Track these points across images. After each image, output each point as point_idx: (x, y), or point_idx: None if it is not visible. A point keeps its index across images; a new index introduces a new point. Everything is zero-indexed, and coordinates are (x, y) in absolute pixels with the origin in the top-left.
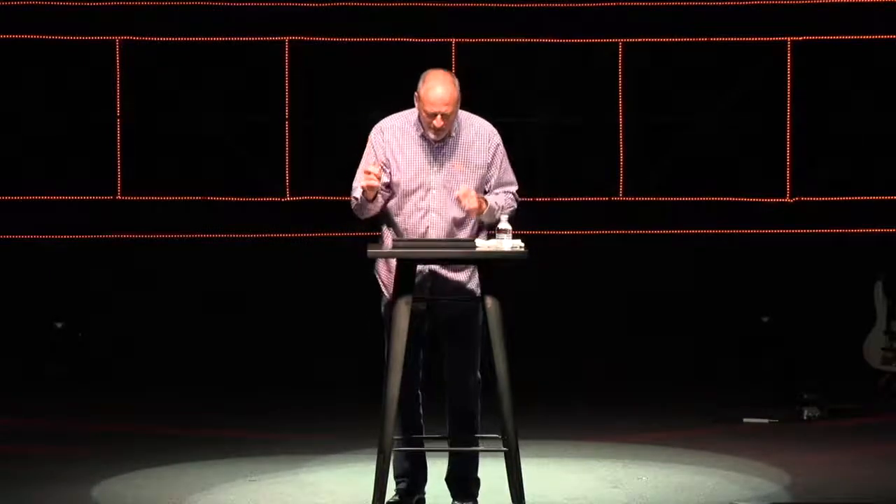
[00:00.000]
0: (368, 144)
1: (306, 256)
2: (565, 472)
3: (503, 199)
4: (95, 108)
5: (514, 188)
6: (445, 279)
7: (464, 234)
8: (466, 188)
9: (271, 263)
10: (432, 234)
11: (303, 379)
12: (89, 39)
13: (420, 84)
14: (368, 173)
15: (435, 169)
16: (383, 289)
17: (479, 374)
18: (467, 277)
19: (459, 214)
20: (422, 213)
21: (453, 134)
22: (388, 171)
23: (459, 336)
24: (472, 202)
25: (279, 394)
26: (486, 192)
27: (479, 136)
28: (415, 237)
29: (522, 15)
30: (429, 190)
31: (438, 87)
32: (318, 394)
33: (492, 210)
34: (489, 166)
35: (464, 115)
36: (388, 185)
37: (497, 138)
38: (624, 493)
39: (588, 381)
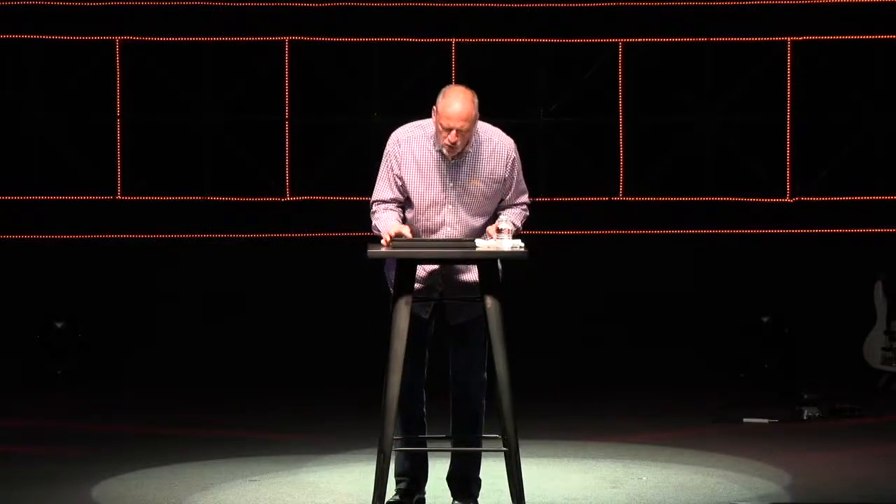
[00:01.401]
0: (386, 156)
1: (306, 256)
2: (565, 472)
3: (519, 217)
4: (95, 108)
5: (527, 196)
6: (456, 280)
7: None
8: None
9: (271, 263)
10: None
11: (303, 379)
12: (89, 39)
13: (439, 98)
14: (399, 235)
15: (451, 184)
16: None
17: (485, 374)
18: (477, 277)
19: (475, 228)
20: (437, 227)
21: (470, 149)
22: (400, 183)
23: (468, 336)
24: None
25: (279, 394)
26: (501, 202)
27: (496, 152)
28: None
29: (522, 15)
30: (444, 205)
31: (457, 103)
32: (318, 394)
33: (517, 231)
34: (505, 181)
35: (483, 128)
36: (406, 200)
37: (514, 153)
38: (624, 493)
39: (588, 380)
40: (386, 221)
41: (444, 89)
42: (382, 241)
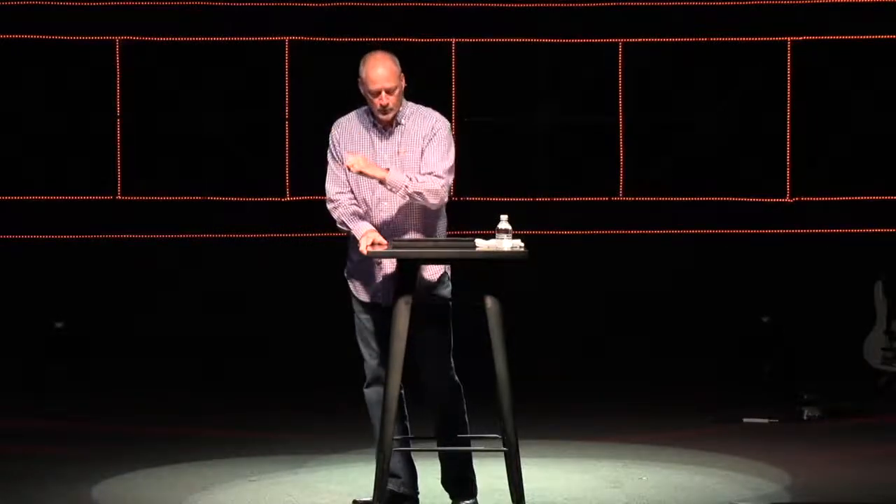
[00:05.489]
0: (329, 147)
1: (306, 256)
2: (565, 472)
3: (410, 179)
4: (95, 108)
5: (436, 171)
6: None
7: (416, 220)
8: (360, 157)
9: (271, 263)
10: (382, 220)
11: (303, 379)
12: (89, 39)
13: (361, 68)
14: (380, 244)
15: (385, 156)
16: (355, 292)
17: (454, 373)
18: (436, 279)
19: (413, 203)
20: (375, 201)
21: (403, 120)
22: (343, 166)
23: (429, 339)
24: (358, 165)
25: (279, 394)
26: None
27: (424, 122)
28: (371, 223)
29: (522, 15)
30: None
31: (379, 66)
32: (318, 394)
33: (392, 182)
34: (424, 145)
35: (420, 108)
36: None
37: (440, 125)
38: (624, 493)
39: (588, 380)
40: (358, 227)
41: (363, 58)
42: (360, 249)
